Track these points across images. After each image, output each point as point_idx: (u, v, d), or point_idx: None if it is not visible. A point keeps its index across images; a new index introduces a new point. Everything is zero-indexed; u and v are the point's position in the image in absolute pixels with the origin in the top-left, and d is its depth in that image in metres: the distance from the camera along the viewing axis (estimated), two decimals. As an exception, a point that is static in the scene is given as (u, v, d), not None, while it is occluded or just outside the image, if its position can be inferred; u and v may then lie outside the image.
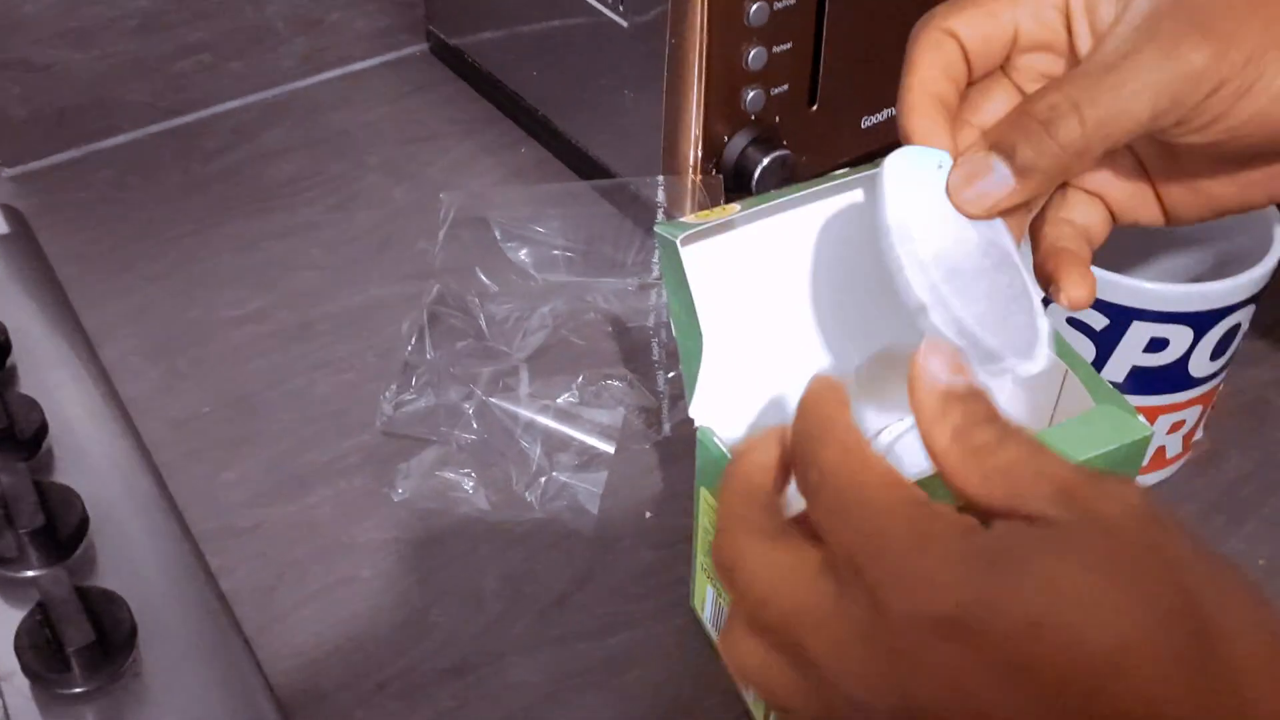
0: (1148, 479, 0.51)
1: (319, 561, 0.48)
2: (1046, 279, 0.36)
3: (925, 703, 0.24)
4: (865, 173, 0.39)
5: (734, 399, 0.41)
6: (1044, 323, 0.34)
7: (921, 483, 0.27)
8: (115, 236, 0.64)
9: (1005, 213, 0.34)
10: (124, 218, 0.65)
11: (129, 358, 0.57)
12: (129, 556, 0.46)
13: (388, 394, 0.52)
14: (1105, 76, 0.32)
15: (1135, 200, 0.38)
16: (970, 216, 0.33)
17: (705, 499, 0.41)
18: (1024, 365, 0.33)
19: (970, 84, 0.36)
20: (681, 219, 0.39)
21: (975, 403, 0.27)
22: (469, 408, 0.52)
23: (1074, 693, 0.22)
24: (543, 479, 0.51)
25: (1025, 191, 0.33)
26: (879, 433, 0.40)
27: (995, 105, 0.36)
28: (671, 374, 0.54)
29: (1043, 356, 0.33)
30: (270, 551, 0.49)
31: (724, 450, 0.39)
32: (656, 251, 0.44)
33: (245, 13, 0.72)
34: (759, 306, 0.41)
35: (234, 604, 0.46)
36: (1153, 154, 0.37)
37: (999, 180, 0.33)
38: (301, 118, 0.72)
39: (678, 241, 0.37)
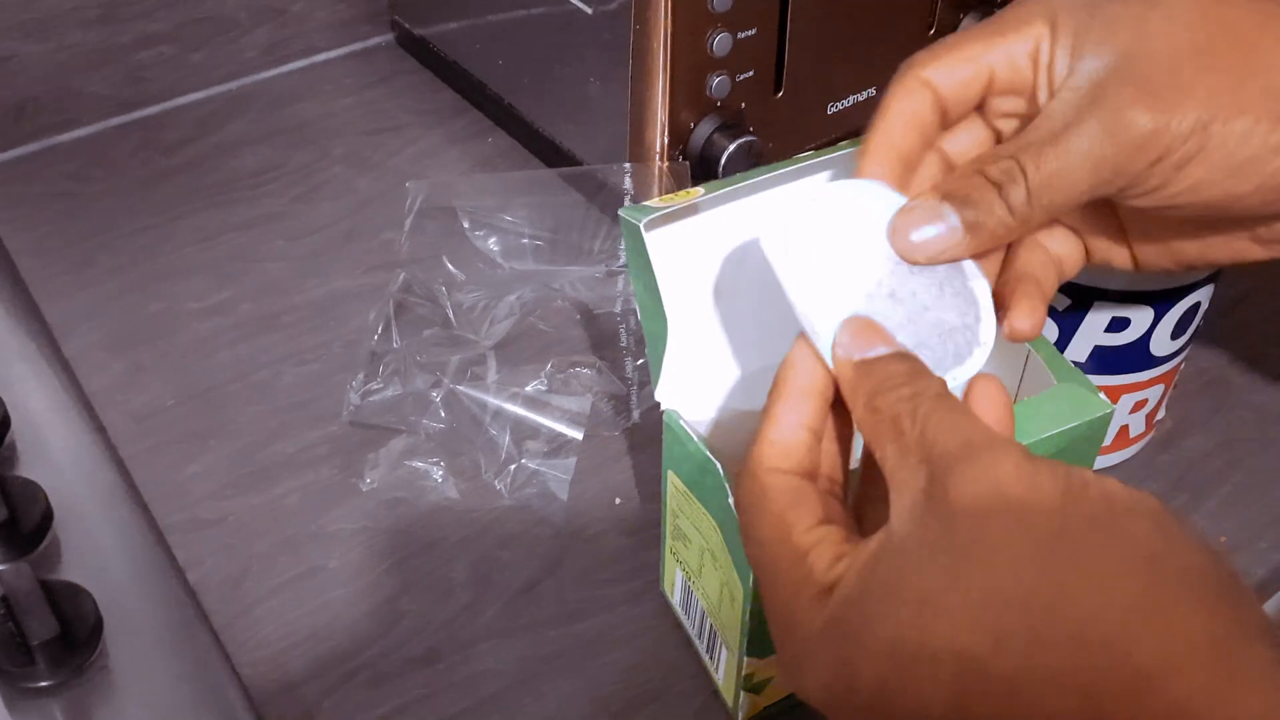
0: (1112, 458, 0.51)
1: (286, 552, 0.48)
2: (1001, 302, 0.35)
3: None
4: (830, 155, 0.40)
5: (700, 382, 0.41)
6: (987, 328, 0.34)
7: None
8: (77, 230, 0.63)
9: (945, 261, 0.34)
10: (86, 211, 0.64)
11: (92, 351, 0.56)
12: (93, 550, 0.45)
13: (354, 384, 0.52)
14: (1048, 147, 0.32)
15: (1108, 243, 0.38)
16: (910, 261, 0.33)
17: (673, 482, 0.41)
18: (954, 371, 0.33)
19: (946, 128, 0.36)
20: (646, 203, 0.39)
21: (889, 366, 0.30)
22: (437, 396, 0.51)
23: (937, 698, 0.26)
24: (512, 466, 0.50)
25: (970, 247, 0.33)
26: None
27: (962, 140, 0.36)
28: (640, 360, 0.54)
29: (977, 361, 0.33)
30: (237, 543, 0.48)
31: (690, 433, 0.39)
32: (624, 237, 0.44)
33: (206, 3, 0.71)
34: (724, 290, 0.41)
35: (201, 596, 0.46)
36: (1120, 205, 0.37)
37: (947, 230, 0.33)
38: (265, 109, 0.72)
39: (642, 226, 0.37)
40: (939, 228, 0.33)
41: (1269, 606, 0.54)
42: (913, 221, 0.33)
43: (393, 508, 0.50)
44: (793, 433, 0.31)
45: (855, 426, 0.32)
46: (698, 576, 0.42)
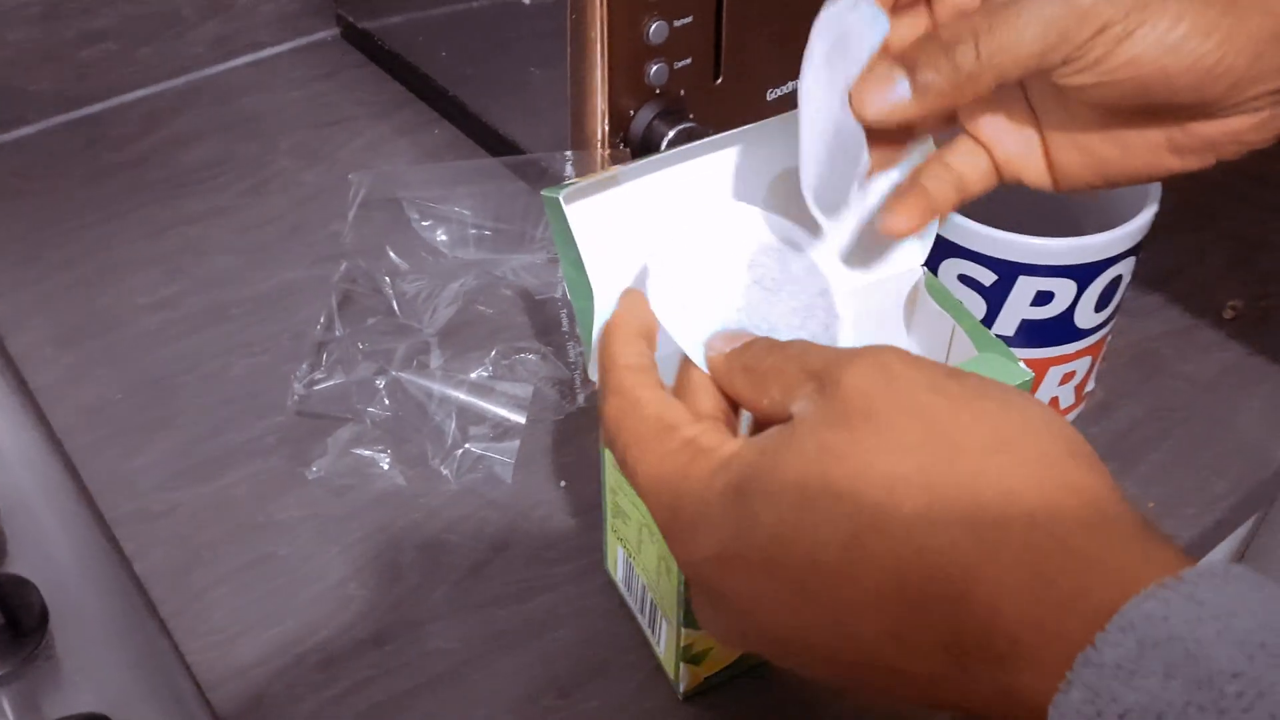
0: (1044, 430, 0.52)
1: (235, 541, 0.49)
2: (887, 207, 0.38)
3: (734, 619, 0.30)
4: (750, 126, 0.40)
5: None
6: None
7: None
8: (23, 225, 0.63)
9: (898, 123, 0.36)
10: (32, 207, 0.64)
11: (39, 346, 0.57)
12: (39, 542, 0.46)
13: (299, 374, 0.53)
14: (1002, 10, 0.34)
15: (1023, 153, 0.39)
16: (866, 122, 0.36)
17: (610, 459, 0.42)
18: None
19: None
20: (568, 182, 0.39)
21: (756, 344, 0.32)
22: (382, 385, 0.52)
23: (818, 583, 0.27)
24: (458, 452, 0.51)
25: (919, 107, 0.35)
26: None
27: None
28: (583, 346, 0.55)
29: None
30: (185, 533, 0.49)
31: None
32: (548, 216, 0.44)
33: (150, -1, 0.71)
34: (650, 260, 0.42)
35: (150, 585, 0.46)
36: (1044, 102, 0.39)
37: (898, 92, 0.35)
38: (211, 104, 0.72)
39: (561, 199, 0.38)
40: (889, 91, 0.35)
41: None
42: (866, 87, 0.35)
43: (340, 495, 0.51)
44: (642, 357, 0.33)
45: (738, 401, 0.33)
46: (637, 552, 0.43)
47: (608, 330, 0.34)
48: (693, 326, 0.35)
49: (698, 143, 0.40)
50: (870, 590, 0.26)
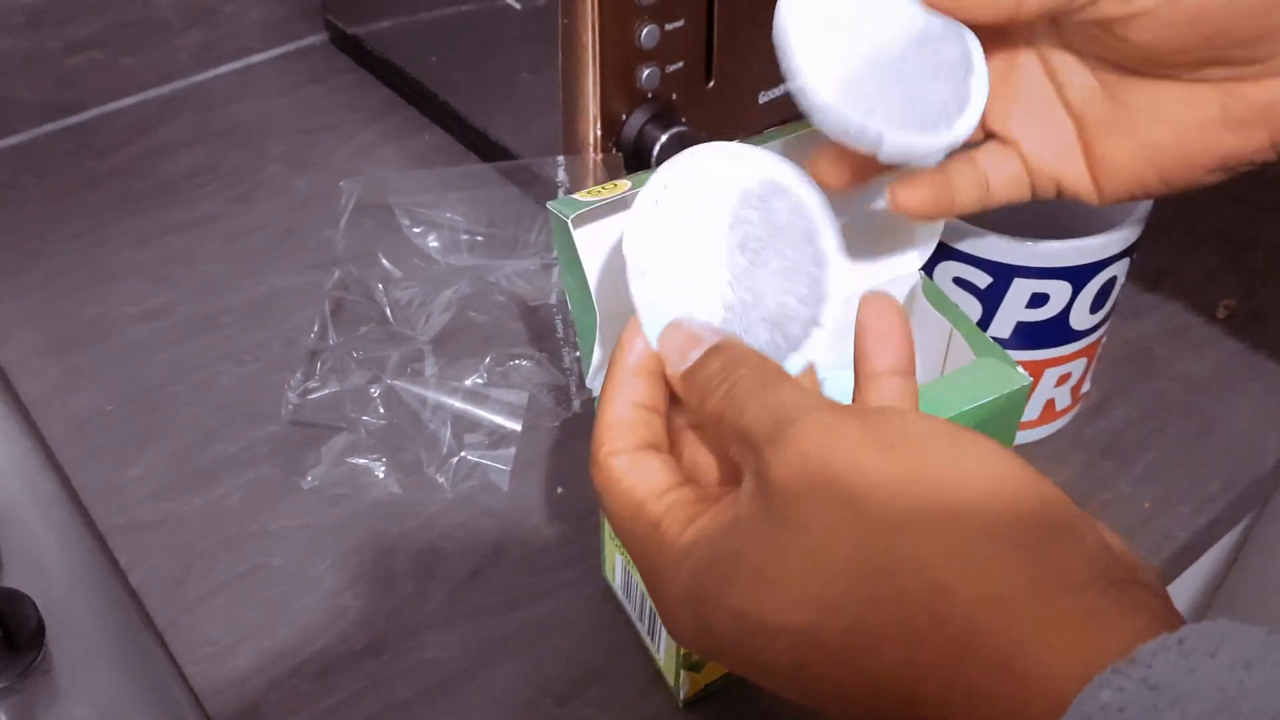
0: (1039, 431, 0.53)
1: (229, 551, 0.48)
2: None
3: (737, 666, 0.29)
4: (757, 142, 0.40)
5: None
6: (977, 89, 0.36)
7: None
8: (10, 236, 0.63)
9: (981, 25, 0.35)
10: (19, 217, 0.64)
11: (28, 358, 0.56)
12: (34, 555, 0.45)
13: (293, 383, 0.52)
14: None
15: (1062, 155, 0.38)
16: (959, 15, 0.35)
17: None
18: (791, 358, 0.34)
19: None
20: (574, 196, 0.39)
21: (706, 369, 0.31)
22: (376, 393, 0.52)
23: (783, 684, 0.28)
24: (453, 460, 0.51)
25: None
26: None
27: None
28: (578, 352, 0.55)
29: (815, 343, 0.34)
30: (179, 544, 0.49)
31: None
32: (553, 230, 0.44)
33: (135, 7, 0.71)
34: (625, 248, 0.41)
35: (144, 597, 0.46)
36: (1084, 83, 0.37)
37: None
38: (198, 111, 0.71)
39: (569, 222, 0.38)
40: None
41: (1195, 570, 0.56)
42: None
43: (335, 504, 0.50)
44: (626, 411, 0.32)
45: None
46: (635, 559, 0.43)
47: (608, 373, 0.33)
48: (667, 307, 0.33)
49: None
50: (828, 696, 0.27)
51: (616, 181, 0.40)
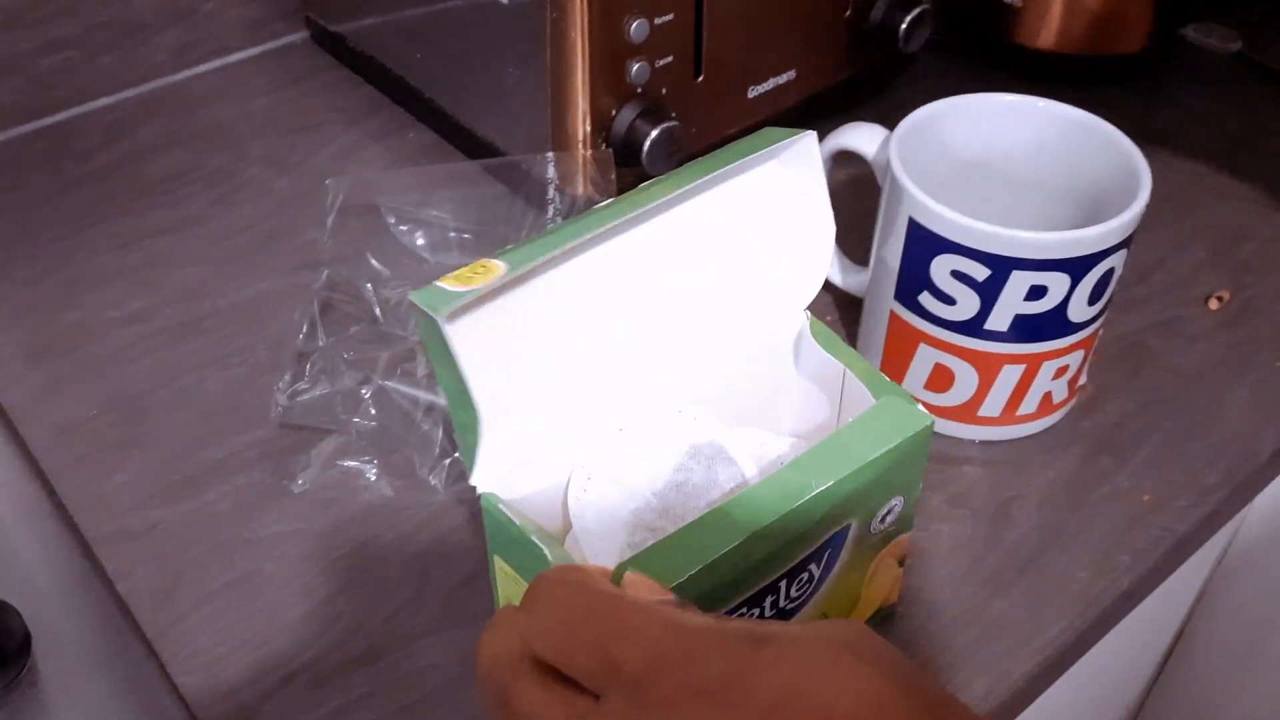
0: (1036, 425, 0.52)
1: (219, 559, 0.47)
2: None
3: None
4: (630, 213, 0.38)
5: (517, 460, 0.39)
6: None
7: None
8: (-13, 241, 0.61)
9: None
10: (-5, 222, 0.63)
11: (8, 364, 0.55)
12: (18, 566, 0.44)
13: (281, 385, 0.51)
14: None
15: None
16: None
17: (500, 568, 0.40)
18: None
19: None
20: (439, 283, 0.34)
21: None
22: (367, 394, 0.51)
23: None
24: (446, 461, 0.50)
25: None
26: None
27: None
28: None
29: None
30: (167, 552, 0.48)
31: (510, 516, 0.37)
32: (419, 324, 0.37)
33: (112, 6, 0.69)
34: (532, 366, 0.39)
35: (133, 607, 0.45)
36: None
37: None
38: (178, 112, 0.70)
39: (440, 320, 0.33)
40: None
41: (1192, 563, 0.56)
42: None
43: (326, 508, 0.49)
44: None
45: None
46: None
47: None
48: (610, 536, 0.38)
49: (584, 236, 0.37)
50: None
51: (487, 263, 0.35)
